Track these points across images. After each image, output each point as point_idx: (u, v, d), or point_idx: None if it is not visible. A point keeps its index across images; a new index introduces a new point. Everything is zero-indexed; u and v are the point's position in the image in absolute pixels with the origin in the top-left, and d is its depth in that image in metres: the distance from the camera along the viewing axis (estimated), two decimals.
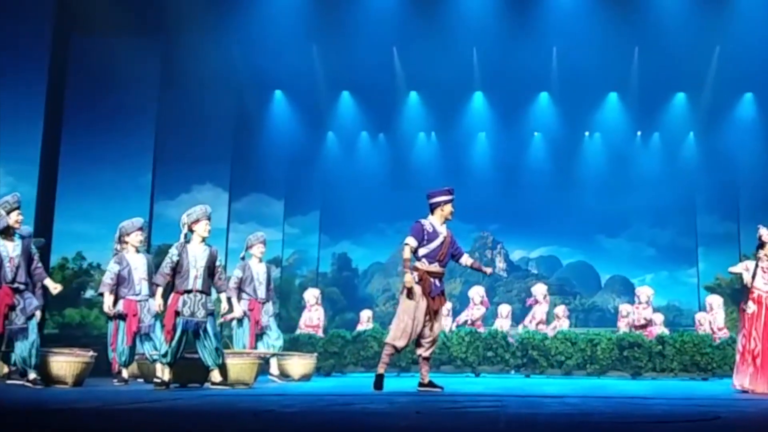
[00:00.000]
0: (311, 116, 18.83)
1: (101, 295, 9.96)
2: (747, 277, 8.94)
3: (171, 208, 16.26)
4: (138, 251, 9.99)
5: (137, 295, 9.82)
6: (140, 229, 10.10)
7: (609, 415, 5.29)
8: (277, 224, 18.34)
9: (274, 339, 10.88)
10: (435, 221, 8.22)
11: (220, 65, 16.40)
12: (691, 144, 19.32)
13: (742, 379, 8.79)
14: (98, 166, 15.79)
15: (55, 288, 9.12)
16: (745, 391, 8.67)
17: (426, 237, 8.09)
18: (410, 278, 7.96)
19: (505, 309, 15.35)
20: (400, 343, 8.06)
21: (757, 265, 8.94)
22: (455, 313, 15.64)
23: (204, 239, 8.73)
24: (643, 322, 14.45)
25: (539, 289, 15.28)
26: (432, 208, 8.31)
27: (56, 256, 15.52)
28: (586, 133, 19.76)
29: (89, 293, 15.85)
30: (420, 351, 8.29)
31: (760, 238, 8.99)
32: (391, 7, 16.37)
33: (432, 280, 8.06)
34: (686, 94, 18.67)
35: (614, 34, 16.33)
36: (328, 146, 19.71)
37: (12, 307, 8.53)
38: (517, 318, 16.01)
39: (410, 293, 7.96)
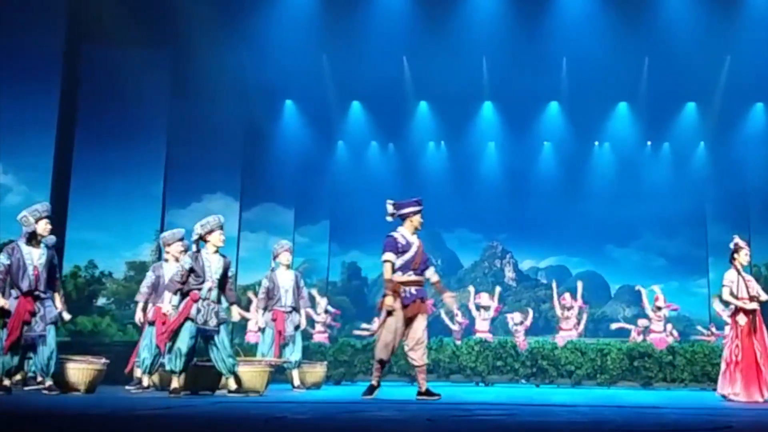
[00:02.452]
0: (321, 126, 18.91)
1: (137, 303, 10.15)
2: (726, 292, 8.99)
3: (182, 217, 16.33)
4: (178, 261, 10.02)
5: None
6: (181, 239, 10.17)
7: (620, 424, 5.29)
8: (288, 233, 18.37)
9: (289, 353, 10.80)
10: (406, 232, 8.34)
11: (231, 75, 16.48)
12: (701, 154, 19.31)
13: (747, 390, 8.69)
14: (110, 176, 15.89)
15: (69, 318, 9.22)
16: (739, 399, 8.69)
17: (400, 249, 8.23)
18: (391, 300, 8.11)
19: (518, 316, 15.37)
20: (383, 356, 8.29)
21: (739, 274, 9.01)
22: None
23: (218, 249, 8.79)
24: (647, 324, 14.48)
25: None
26: (402, 219, 8.43)
27: (68, 265, 15.60)
28: (596, 143, 19.78)
29: (101, 301, 15.92)
30: (411, 361, 8.44)
31: (736, 245, 9.17)
32: (401, 18, 16.44)
33: (406, 289, 8.19)
34: (696, 103, 18.68)
35: (624, 43, 16.36)
36: (338, 156, 19.78)
37: (32, 314, 8.59)
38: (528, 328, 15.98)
39: (390, 312, 8.15)
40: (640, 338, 14.86)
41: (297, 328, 10.91)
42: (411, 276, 8.24)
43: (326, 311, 15.08)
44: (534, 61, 16.99)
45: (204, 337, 8.60)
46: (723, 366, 8.96)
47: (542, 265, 20.83)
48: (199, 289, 8.58)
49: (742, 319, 8.87)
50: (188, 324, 8.50)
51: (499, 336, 15.03)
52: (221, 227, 8.79)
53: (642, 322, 15.40)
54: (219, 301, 8.75)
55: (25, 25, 14.94)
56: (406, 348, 8.33)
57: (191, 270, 8.61)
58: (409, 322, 8.20)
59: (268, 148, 18.50)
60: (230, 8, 15.98)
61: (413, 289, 8.23)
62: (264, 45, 16.45)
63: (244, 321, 11.47)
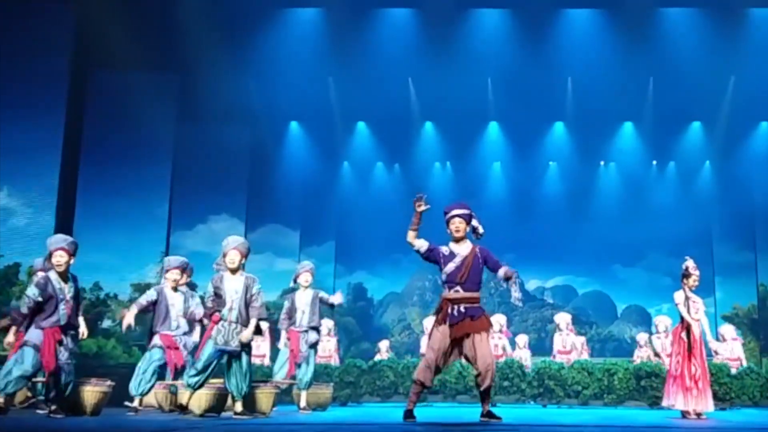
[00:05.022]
0: (327, 147, 18.95)
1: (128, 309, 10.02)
2: (684, 310, 9.51)
3: (188, 238, 16.36)
4: (175, 290, 9.92)
5: (173, 330, 9.86)
6: (177, 268, 10.08)
7: None
8: (293, 254, 18.37)
9: (302, 373, 10.81)
10: (452, 243, 7.72)
11: (236, 98, 16.55)
12: (707, 173, 19.29)
13: (684, 403, 9.26)
14: (115, 198, 15.95)
15: (82, 334, 9.16)
16: (692, 414, 9.21)
17: (443, 260, 7.57)
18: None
19: (522, 339, 15.35)
20: (421, 376, 7.42)
21: (686, 297, 9.57)
22: None
23: (233, 270, 8.72)
24: (668, 350, 14.39)
25: (563, 318, 15.22)
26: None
27: None
28: (602, 163, 19.78)
29: (106, 323, 15.91)
30: (479, 387, 7.54)
31: (686, 269, 9.64)
32: (407, 39, 16.52)
33: (453, 306, 7.42)
34: (701, 123, 18.69)
35: (629, 64, 16.42)
36: (343, 177, 19.80)
37: (60, 342, 8.57)
38: (534, 348, 15.94)
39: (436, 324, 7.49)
40: (645, 351, 14.83)
41: (312, 346, 10.91)
42: (459, 292, 7.48)
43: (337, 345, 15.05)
44: (539, 81, 17.03)
45: (226, 359, 8.57)
46: (671, 381, 9.48)
47: (548, 285, 20.77)
48: (220, 311, 8.58)
49: (686, 335, 9.44)
50: (209, 343, 8.51)
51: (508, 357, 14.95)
52: (235, 248, 8.72)
53: (642, 336, 15.37)
54: (242, 323, 8.66)
55: (31, 50, 15.07)
56: (474, 373, 7.48)
57: (215, 293, 8.63)
58: (458, 342, 7.38)
59: (274, 169, 18.54)
60: (236, 32, 16.08)
61: (462, 307, 7.42)
62: (269, 67, 16.55)
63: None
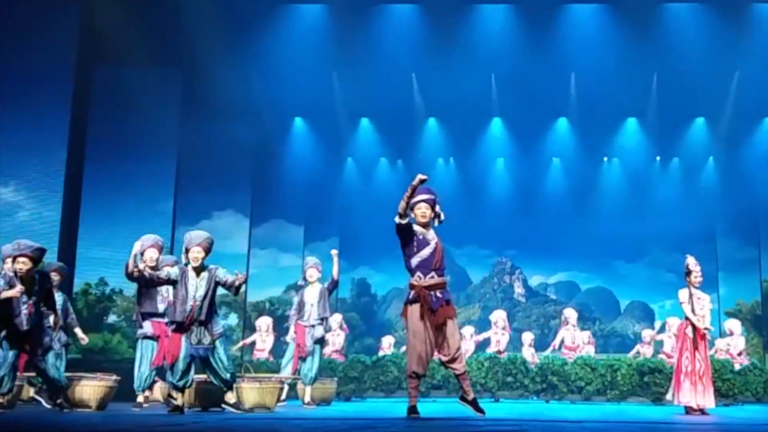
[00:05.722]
0: (331, 143, 18.96)
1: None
2: (687, 308, 9.63)
3: None
4: (156, 269, 9.54)
5: (162, 316, 9.82)
6: (152, 246, 10.04)
7: None
8: (297, 250, 18.41)
9: (306, 369, 10.85)
10: (418, 227, 7.61)
11: (241, 93, 16.56)
12: (710, 169, 19.26)
13: (692, 398, 9.38)
14: (120, 193, 15.97)
15: (83, 339, 9.25)
16: (697, 409, 9.32)
17: (417, 243, 7.54)
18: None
19: (528, 337, 15.40)
20: (420, 370, 7.42)
21: (690, 294, 9.68)
22: None
23: (197, 269, 8.55)
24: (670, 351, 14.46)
25: (571, 314, 15.29)
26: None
27: (79, 282, 15.70)
28: (605, 159, 19.76)
29: (112, 318, 15.97)
30: (451, 370, 7.72)
31: (687, 266, 9.81)
32: (410, 35, 16.52)
33: (431, 293, 7.48)
34: (705, 119, 18.65)
35: (633, 59, 16.40)
36: (347, 172, 19.81)
37: (29, 343, 8.59)
38: (537, 345, 15.97)
39: (416, 314, 7.45)
40: (647, 349, 14.89)
41: (318, 342, 10.95)
42: (434, 278, 7.52)
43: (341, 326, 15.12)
44: (542, 77, 17.01)
45: (201, 357, 8.53)
46: (680, 377, 9.52)
47: (551, 281, 20.77)
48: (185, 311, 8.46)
49: (690, 331, 9.55)
50: (184, 342, 8.43)
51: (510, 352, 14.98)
52: (198, 244, 8.54)
53: (648, 332, 15.43)
54: (206, 319, 8.54)
55: (37, 46, 15.10)
56: (443, 359, 7.53)
57: (175, 284, 8.50)
58: (439, 329, 7.43)
59: (278, 165, 18.55)
60: (240, 27, 16.10)
61: (438, 293, 7.49)
62: (273, 63, 16.56)
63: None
